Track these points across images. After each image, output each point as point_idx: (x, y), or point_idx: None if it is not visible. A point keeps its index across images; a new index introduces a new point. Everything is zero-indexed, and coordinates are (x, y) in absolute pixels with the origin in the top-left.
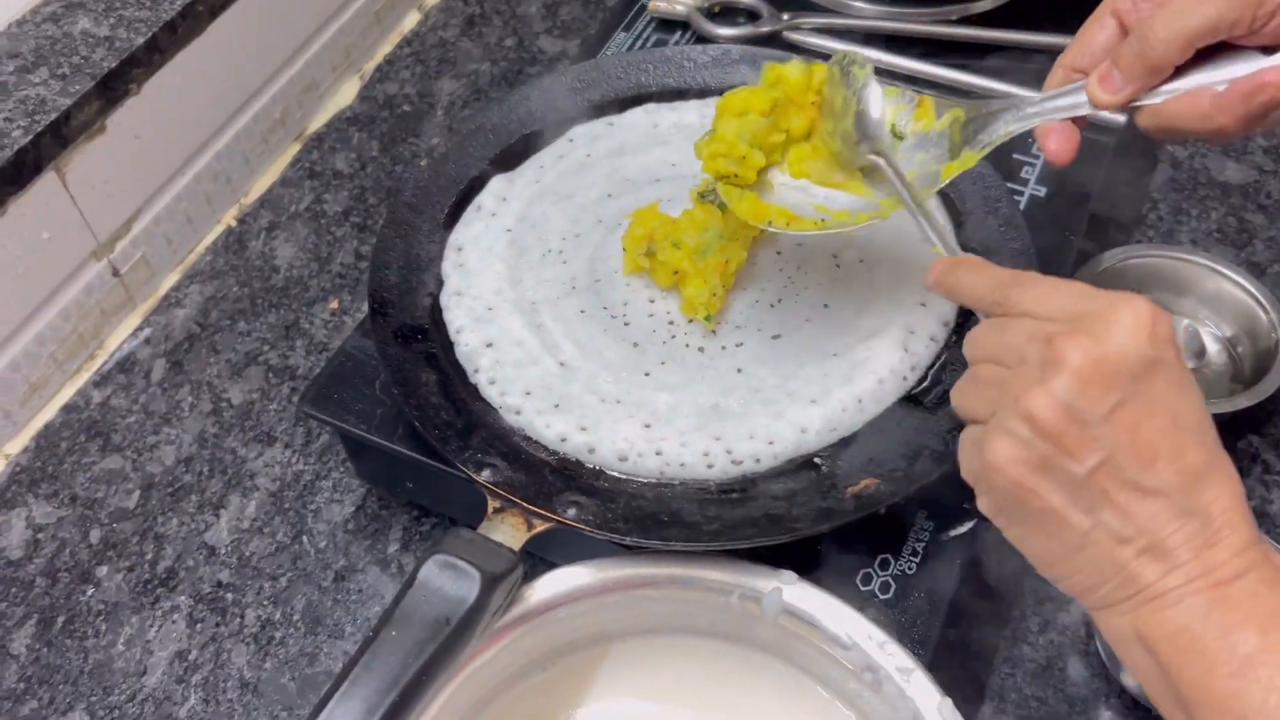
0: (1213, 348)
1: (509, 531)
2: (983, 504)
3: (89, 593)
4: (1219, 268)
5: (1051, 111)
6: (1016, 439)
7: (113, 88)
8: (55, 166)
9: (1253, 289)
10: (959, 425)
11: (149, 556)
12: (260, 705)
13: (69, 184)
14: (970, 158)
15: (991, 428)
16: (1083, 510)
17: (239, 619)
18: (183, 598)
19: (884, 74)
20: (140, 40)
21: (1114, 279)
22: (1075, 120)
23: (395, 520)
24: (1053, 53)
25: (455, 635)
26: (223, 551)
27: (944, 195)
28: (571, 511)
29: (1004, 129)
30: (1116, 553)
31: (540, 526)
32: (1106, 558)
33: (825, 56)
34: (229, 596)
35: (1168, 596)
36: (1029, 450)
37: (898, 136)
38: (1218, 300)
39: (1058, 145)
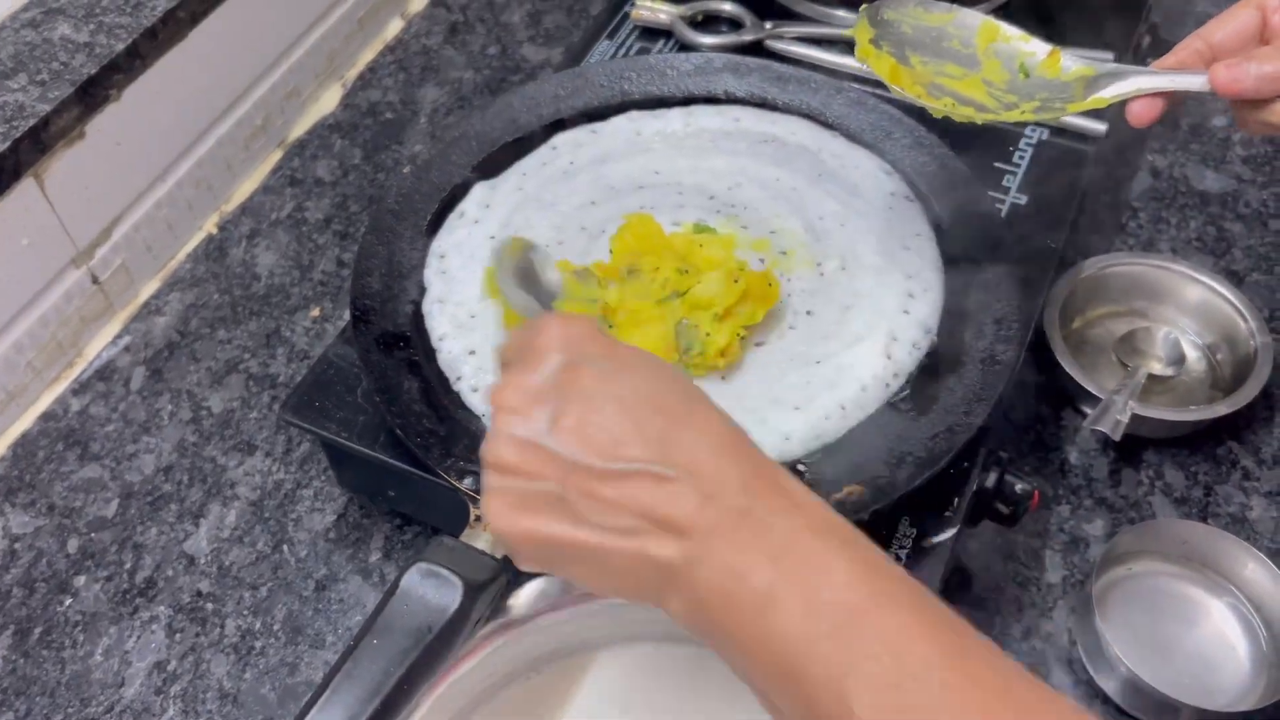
0: (1192, 355)
1: (491, 540)
2: (522, 565)
3: (67, 603)
4: (1198, 276)
5: (1173, 84)
6: (495, 491)
7: (92, 94)
8: (34, 173)
9: (1231, 297)
10: (942, 430)
11: (128, 566)
12: (240, 716)
13: (48, 190)
14: (1100, 101)
15: (483, 500)
16: (585, 525)
17: (219, 629)
18: (162, 608)
19: (871, 84)
20: (120, 46)
21: (1094, 287)
22: (1175, 94)
23: (377, 529)
24: None
25: (437, 644)
26: (202, 561)
27: (925, 202)
28: None
29: (1132, 87)
30: (634, 547)
31: None
32: (630, 556)
33: (808, 65)
34: (209, 606)
35: (694, 565)
36: (506, 495)
37: (1024, 75)
38: (1197, 308)
39: (1142, 109)
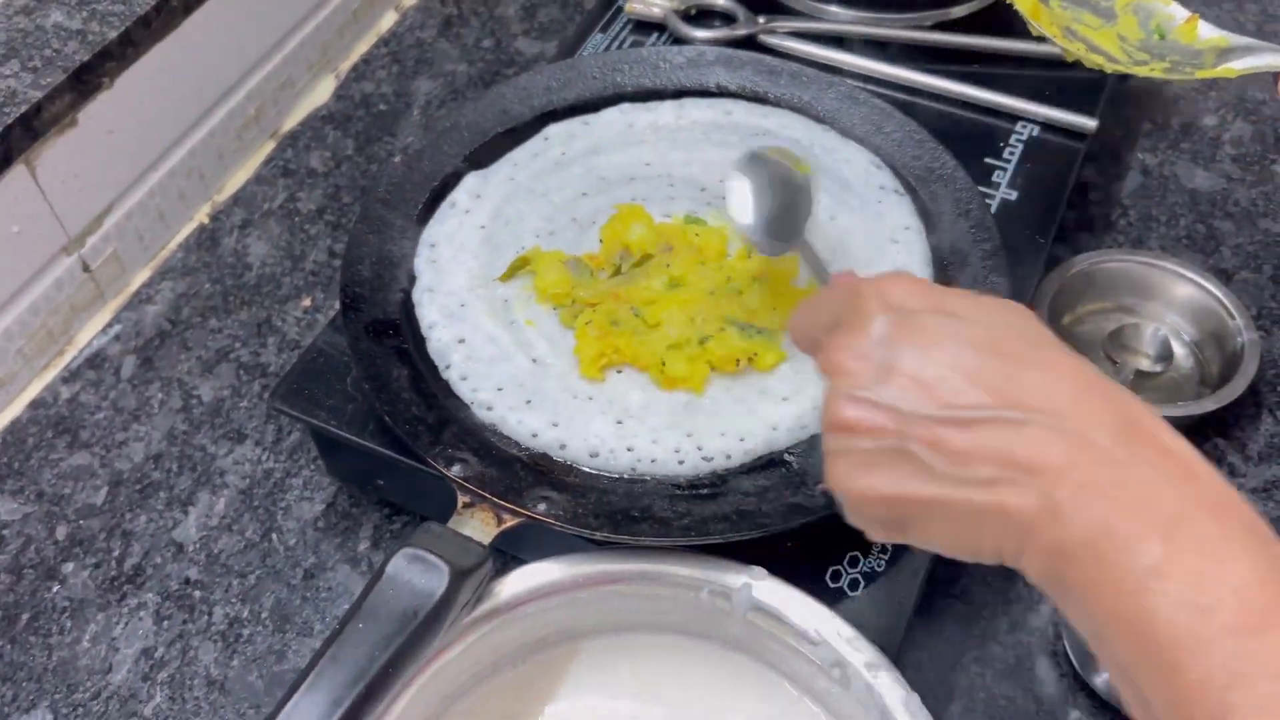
0: (1180, 351)
1: (478, 526)
2: (877, 535)
3: (54, 589)
4: (1187, 273)
5: None
6: (838, 454)
7: (85, 81)
8: (25, 159)
9: (1219, 294)
10: None
11: (116, 553)
12: (227, 703)
13: (39, 177)
14: (1230, 71)
15: (826, 465)
16: (935, 479)
17: (207, 616)
18: (150, 595)
19: (864, 79)
20: (113, 34)
21: (1083, 283)
22: None
23: (366, 518)
24: (1028, 60)
25: (423, 628)
26: (191, 549)
27: (915, 196)
28: (541, 506)
29: (1264, 62)
30: (992, 499)
31: (510, 521)
32: (987, 509)
33: (801, 61)
34: (197, 594)
35: (1063, 518)
36: (851, 457)
37: (1159, 35)
38: (1185, 305)
39: None
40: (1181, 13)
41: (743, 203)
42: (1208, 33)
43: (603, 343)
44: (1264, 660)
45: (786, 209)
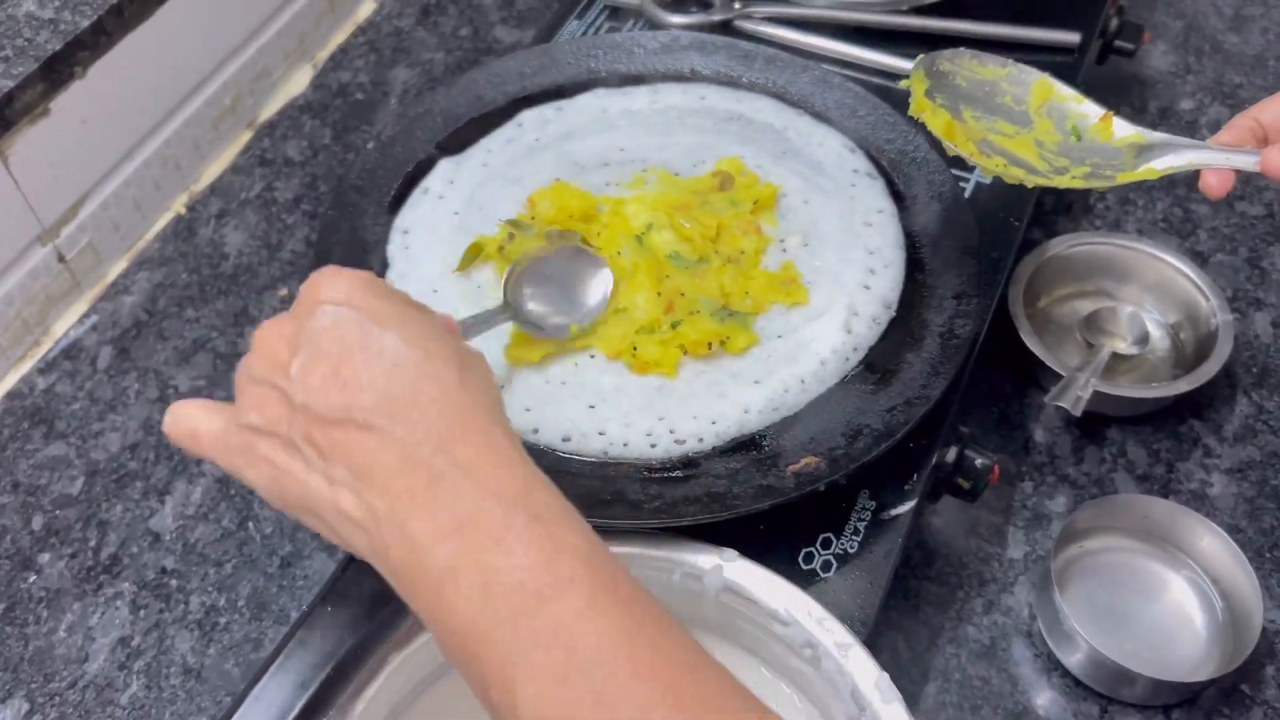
0: (1156, 334)
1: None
2: (263, 496)
3: (30, 579)
4: (1163, 255)
5: (1226, 161)
6: (243, 426)
7: (57, 70)
8: None
9: (1195, 277)
10: (900, 404)
11: (92, 543)
12: (203, 691)
13: (12, 167)
14: (1152, 172)
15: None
16: (306, 470)
17: (183, 605)
18: (126, 584)
19: (840, 63)
20: (85, 23)
21: (1060, 266)
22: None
23: None
24: (1001, 44)
25: (393, 613)
26: (167, 538)
27: (888, 179)
28: None
29: (1185, 160)
30: (334, 499)
31: None
32: (333, 507)
33: (776, 45)
34: (173, 583)
35: (383, 528)
36: (251, 433)
37: (1076, 136)
38: (1161, 287)
39: (1218, 183)
40: (1096, 110)
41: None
42: (1123, 130)
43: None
44: (536, 635)
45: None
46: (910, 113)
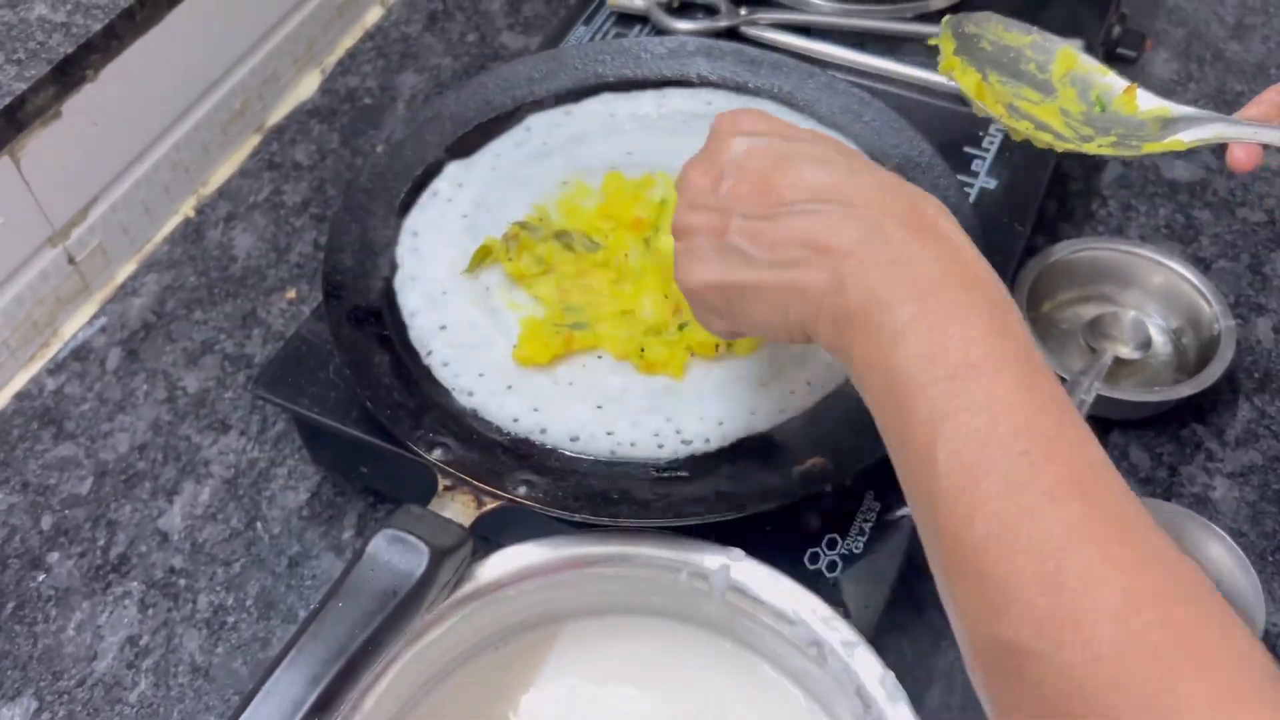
0: (1158, 339)
1: (459, 509)
2: (717, 327)
3: (40, 579)
4: (1165, 261)
5: (1254, 135)
6: (681, 255)
7: (69, 74)
8: (9, 151)
9: (1197, 282)
10: None
11: (101, 543)
12: (211, 689)
13: (23, 170)
14: (1179, 144)
15: (675, 268)
16: (755, 265)
17: (191, 604)
18: (135, 583)
19: (845, 69)
20: (97, 26)
21: (1063, 271)
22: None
23: (350, 506)
24: None
25: (402, 608)
26: (176, 538)
27: None
28: (522, 490)
29: (1212, 133)
30: (794, 276)
31: (490, 504)
32: (791, 286)
33: (783, 52)
34: (181, 582)
35: (845, 289)
36: (690, 254)
37: (1100, 107)
38: (1164, 292)
39: (1245, 157)
40: (1120, 82)
41: None
42: (1148, 103)
43: (545, 337)
44: (971, 397)
45: None
46: (940, 71)
